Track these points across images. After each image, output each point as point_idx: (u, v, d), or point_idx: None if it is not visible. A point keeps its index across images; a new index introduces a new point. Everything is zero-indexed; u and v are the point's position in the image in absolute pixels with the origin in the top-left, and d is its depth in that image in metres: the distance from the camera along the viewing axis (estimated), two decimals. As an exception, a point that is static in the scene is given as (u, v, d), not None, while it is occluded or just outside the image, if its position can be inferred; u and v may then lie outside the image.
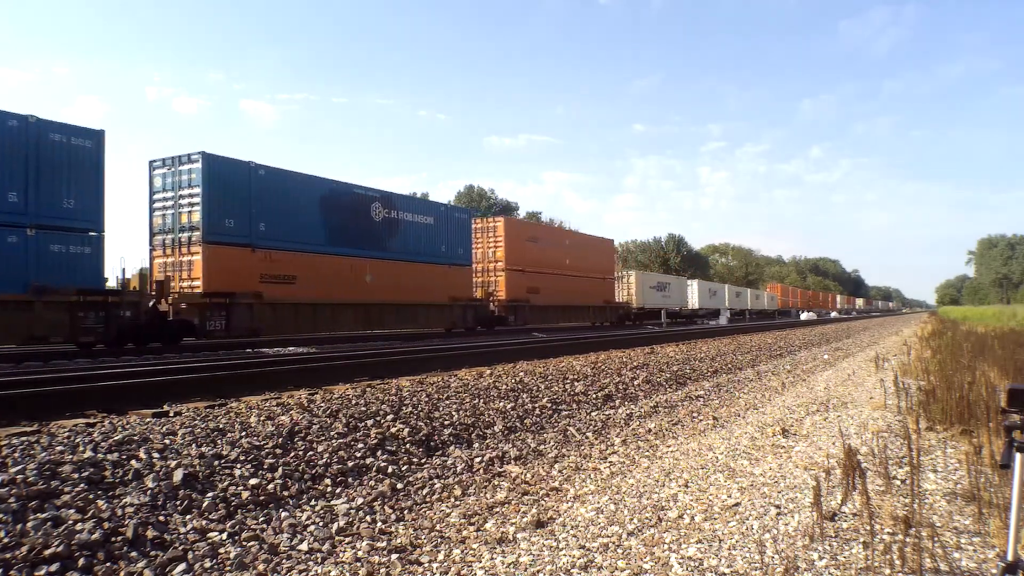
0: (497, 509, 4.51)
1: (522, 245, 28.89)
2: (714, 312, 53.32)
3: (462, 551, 3.73)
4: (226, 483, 4.38)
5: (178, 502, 4.02)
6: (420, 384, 8.48)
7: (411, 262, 22.73)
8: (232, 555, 3.54)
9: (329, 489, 4.68)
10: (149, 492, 4.02)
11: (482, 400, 7.73)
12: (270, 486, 4.47)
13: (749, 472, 5.07)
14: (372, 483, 4.89)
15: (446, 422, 6.56)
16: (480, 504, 4.60)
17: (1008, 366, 9.28)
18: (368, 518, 4.25)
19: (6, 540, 3.25)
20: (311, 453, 5.13)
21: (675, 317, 46.90)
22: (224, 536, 3.76)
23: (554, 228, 40.23)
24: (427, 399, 7.37)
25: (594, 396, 8.90)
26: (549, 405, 8.01)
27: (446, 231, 24.66)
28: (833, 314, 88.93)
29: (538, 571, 3.37)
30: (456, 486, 5.00)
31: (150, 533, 3.60)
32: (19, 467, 4.01)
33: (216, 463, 4.59)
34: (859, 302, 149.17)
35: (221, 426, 5.45)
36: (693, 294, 51.08)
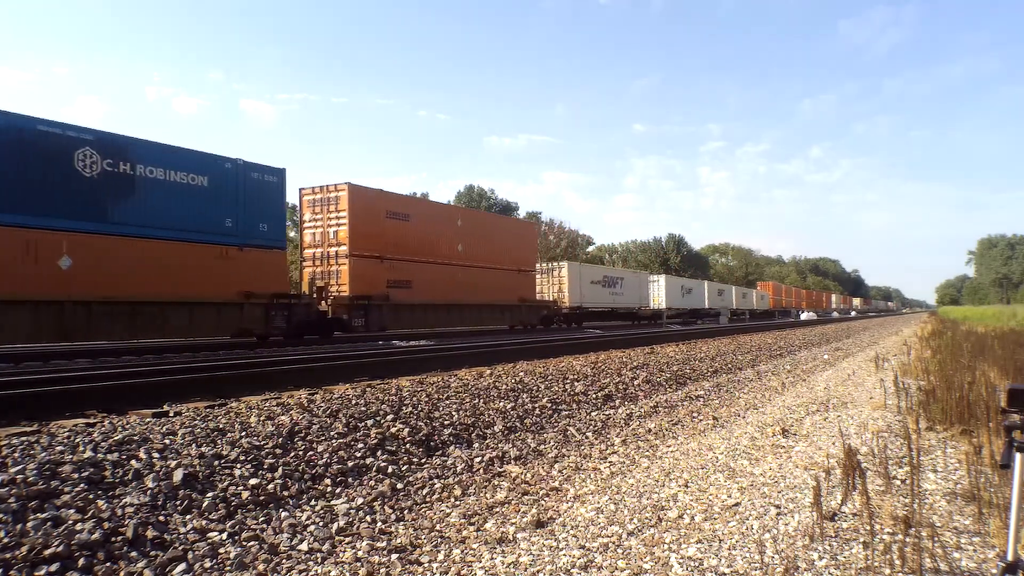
0: (497, 509, 4.51)
1: (380, 223, 21.20)
2: (687, 313, 47.04)
3: (462, 551, 3.73)
4: (226, 483, 4.38)
5: (178, 502, 4.02)
6: (420, 384, 8.48)
7: (161, 240, 14.96)
8: (232, 555, 3.54)
9: (329, 489, 4.68)
10: (149, 492, 4.02)
11: (482, 400, 7.73)
12: (270, 486, 4.47)
13: (749, 472, 5.07)
14: (372, 483, 4.89)
15: (446, 422, 6.56)
16: (480, 504, 4.60)
17: (1008, 366, 9.28)
18: (368, 518, 4.25)
19: (6, 540, 3.25)
20: (311, 453, 5.13)
21: (635, 318, 40.66)
22: (224, 536, 3.77)
23: (437, 204, 28.74)
24: (427, 399, 7.37)
25: (594, 396, 8.90)
26: (549, 405, 8.01)
27: (235, 198, 16.68)
28: (834, 314, 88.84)
29: (538, 571, 3.37)
30: (456, 486, 5.00)
31: (150, 533, 3.60)
32: (19, 467, 4.01)
33: (216, 463, 4.59)
34: (856, 301, 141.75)
35: (221, 426, 5.45)
36: (659, 291, 44.25)
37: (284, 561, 3.56)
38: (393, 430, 5.97)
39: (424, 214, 23.94)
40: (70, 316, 13.54)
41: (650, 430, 7.19)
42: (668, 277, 47.68)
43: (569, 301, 32.94)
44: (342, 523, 4.11)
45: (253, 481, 4.48)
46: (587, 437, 6.84)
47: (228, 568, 3.42)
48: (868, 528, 3.35)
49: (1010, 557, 2.30)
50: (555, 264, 34.30)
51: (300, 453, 5.09)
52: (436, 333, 23.55)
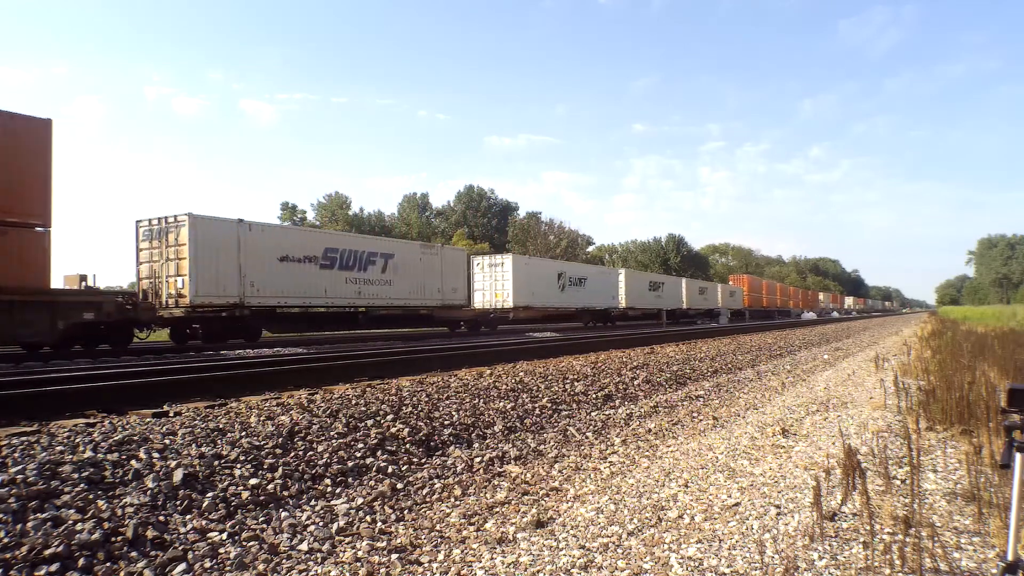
0: (497, 509, 4.51)
1: None
2: (579, 315, 32.79)
3: (462, 551, 3.73)
4: (226, 483, 4.38)
5: (178, 502, 4.02)
6: (420, 384, 8.48)
7: None
8: (232, 555, 3.54)
9: (329, 489, 4.68)
10: (149, 492, 4.02)
11: (482, 400, 7.72)
12: (270, 486, 4.47)
13: (749, 472, 5.07)
14: (372, 483, 4.89)
15: (446, 422, 6.56)
16: (480, 504, 4.60)
17: (1008, 366, 9.27)
18: (368, 518, 4.25)
19: (6, 540, 3.25)
20: (311, 453, 5.13)
21: (473, 325, 27.00)
22: (224, 536, 3.76)
23: None
24: (427, 399, 7.37)
25: (594, 396, 8.90)
26: (549, 405, 8.01)
27: None
28: (835, 314, 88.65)
29: (538, 571, 3.37)
30: (456, 486, 5.00)
31: (150, 533, 3.60)
32: (19, 467, 4.01)
33: (216, 463, 4.59)
34: (849, 300, 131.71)
35: (221, 426, 5.45)
36: (502, 281, 28.15)
37: (284, 561, 3.56)
38: (393, 430, 5.97)
39: None
40: None
41: (650, 430, 7.19)
42: (523, 258, 30.42)
43: (194, 293, 16.61)
44: (342, 523, 4.11)
45: (253, 481, 4.48)
46: (587, 437, 6.84)
47: (228, 568, 3.42)
48: (868, 528, 3.35)
49: (1010, 557, 2.30)
50: (172, 219, 17.11)
51: (300, 453, 5.09)
52: None
